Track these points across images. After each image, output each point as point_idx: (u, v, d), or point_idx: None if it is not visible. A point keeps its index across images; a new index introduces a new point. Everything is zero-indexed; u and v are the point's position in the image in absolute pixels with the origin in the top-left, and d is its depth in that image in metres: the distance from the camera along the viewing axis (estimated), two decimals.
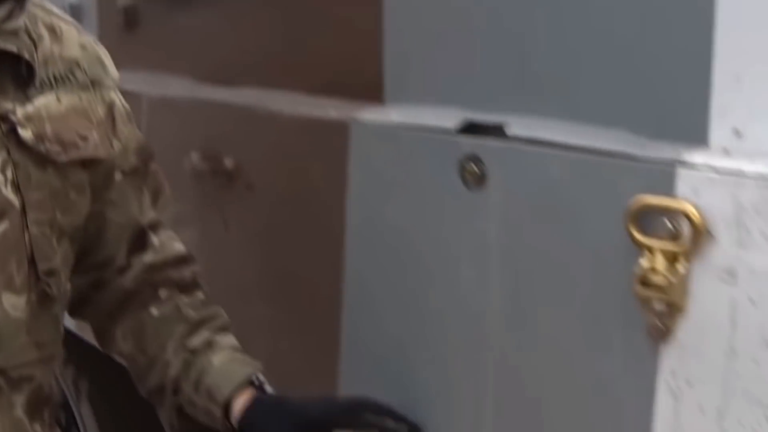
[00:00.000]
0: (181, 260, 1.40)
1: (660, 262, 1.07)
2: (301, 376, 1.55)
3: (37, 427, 1.25)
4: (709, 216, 1.04)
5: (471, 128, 1.30)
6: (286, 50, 1.63)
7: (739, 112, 1.04)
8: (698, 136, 1.06)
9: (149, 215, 1.37)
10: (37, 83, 1.19)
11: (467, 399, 1.32)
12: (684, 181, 1.06)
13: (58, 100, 1.21)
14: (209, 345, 1.35)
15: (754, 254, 1.01)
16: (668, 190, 1.07)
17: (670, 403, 1.09)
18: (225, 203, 1.75)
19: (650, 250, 1.08)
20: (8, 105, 1.16)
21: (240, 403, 1.31)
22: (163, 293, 1.37)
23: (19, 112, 1.17)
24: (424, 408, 1.35)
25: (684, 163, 1.06)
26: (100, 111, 1.27)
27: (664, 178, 1.07)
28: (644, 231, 1.08)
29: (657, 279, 1.07)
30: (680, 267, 1.06)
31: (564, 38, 1.20)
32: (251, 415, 1.31)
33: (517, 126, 1.25)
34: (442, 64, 1.36)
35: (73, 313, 1.38)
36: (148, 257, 1.37)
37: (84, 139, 1.23)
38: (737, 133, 1.04)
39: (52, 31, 1.24)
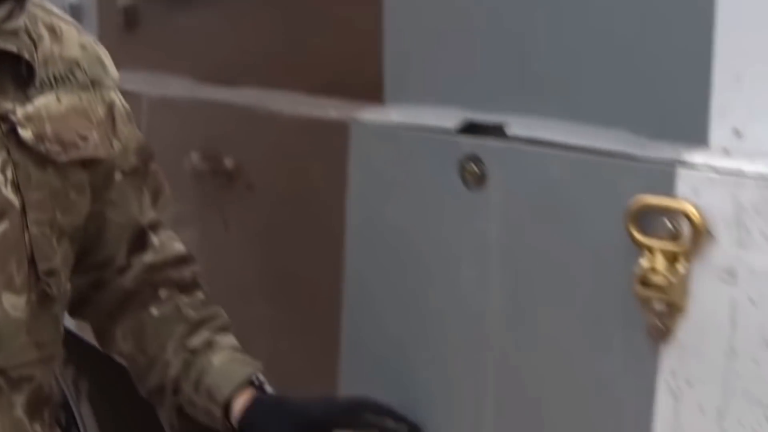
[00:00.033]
0: (181, 260, 1.40)
1: (660, 262, 1.06)
2: (301, 376, 1.54)
3: (37, 427, 1.25)
4: (709, 216, 1.04)
5: (471, 128, 1.30)
6: (286, 50, 1.62)
7: (739, 112, 1.04)
8: (698, 136, 1.06)
9: (149, 215, 1.37)
10: (37, 83, 1.19)
11: (467, 399, 1.31)
12: (684, 181, 1.06)
13: (58, 100, 1.21)
14: (209, 345, 1.35)
15: (754, 254, 1.01)
16: (668, 190, 1.07)
17: (670, 403, 1.09)
18: (225, 203, 1.75)
19: (650, 250, 1.08)
20: (8, 105, 1.16)
21: (240, 403, 1.31)
22: (163, 293, 1.37)
23: (19, 112, 1.17)
24: (424, 408, 1.35)
25: (684, 163, 1.06)
26: (100, 111, 1.27)
27: (664, 178, 1.07)
28: (644, 231, 1.08)
29: (657, 279, 1.07)
30: (680, 267, 1.06)
31: (564, 38, 1.20)
32: (251, 415, 1.31)
33: (517, 126, 1.25)
34: (442, 64, 1.35)
35: (73, 313, 1.38)
36: (148, 257, 1.37)
37: (84, 139, 1.23)
38: (737, 133, 1.04)
39: (52, 31, 1.24)
